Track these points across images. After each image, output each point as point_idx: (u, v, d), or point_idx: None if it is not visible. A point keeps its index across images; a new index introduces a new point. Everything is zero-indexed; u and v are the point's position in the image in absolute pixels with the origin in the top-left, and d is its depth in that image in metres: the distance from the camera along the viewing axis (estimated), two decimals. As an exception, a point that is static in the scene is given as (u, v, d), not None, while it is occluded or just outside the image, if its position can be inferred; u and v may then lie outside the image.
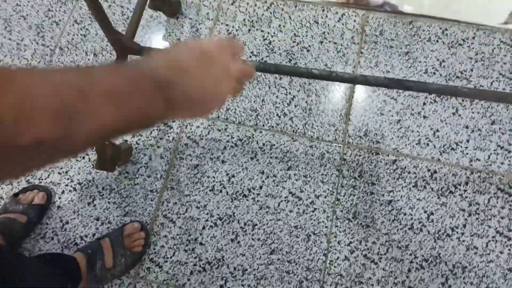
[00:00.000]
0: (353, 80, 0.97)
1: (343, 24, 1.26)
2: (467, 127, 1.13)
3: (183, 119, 1.17)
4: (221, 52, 0.44)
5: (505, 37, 1.22)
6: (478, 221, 1.05)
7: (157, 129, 1.17)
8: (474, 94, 0.92)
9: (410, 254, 1.03)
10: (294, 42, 1.26)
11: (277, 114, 1.18)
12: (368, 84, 0.96)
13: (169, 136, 1.16)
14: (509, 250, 1.03)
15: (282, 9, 1.29)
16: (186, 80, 0.40)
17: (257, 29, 1.27)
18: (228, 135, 1.16)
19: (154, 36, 1.28)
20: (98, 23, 0.91)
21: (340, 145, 1.14)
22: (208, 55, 0.43)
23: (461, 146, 1.11)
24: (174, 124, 1.18)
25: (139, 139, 1.16)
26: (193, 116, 0.43)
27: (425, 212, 1.06)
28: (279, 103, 1.19)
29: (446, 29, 1.24)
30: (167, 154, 1.14)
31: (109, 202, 1.10)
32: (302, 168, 1.12)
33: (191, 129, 1.17)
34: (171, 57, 0.41)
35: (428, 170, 1.10)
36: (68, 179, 1.12)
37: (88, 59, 1.26)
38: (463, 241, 1.04)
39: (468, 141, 1.12)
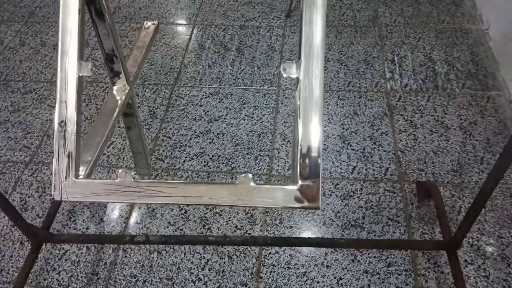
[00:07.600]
0: (244, 242, 1.08)
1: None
2: (366, 272, 1.21)
3: None
4: None
5: (388, 186, 1.41)
6: None
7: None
8: (350, 244, 1.04)
9: None
10: (207, 209, 1.40)
11: (192, 280, 1.24)
12: (257, 244, 1.08)
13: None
14: None
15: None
16: None
17: (173, 201, 1.42)
18: (143, 308, 1.19)
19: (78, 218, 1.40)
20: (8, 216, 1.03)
21: (252, 304, 1.18)
22: None
23: (363, 292, 1.18)
24: (90, 303, 1.20)
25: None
26: None
27: None
28: (194, 269, 1.26)
29: (337, 184, 1.42)
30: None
31: None
32: (216, 334, 1.13)
33: (107, 305, 1.20)
34: None
35: (337, 321, 1.13)
36: None
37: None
38: None
39: (369, 285, 1.19)
